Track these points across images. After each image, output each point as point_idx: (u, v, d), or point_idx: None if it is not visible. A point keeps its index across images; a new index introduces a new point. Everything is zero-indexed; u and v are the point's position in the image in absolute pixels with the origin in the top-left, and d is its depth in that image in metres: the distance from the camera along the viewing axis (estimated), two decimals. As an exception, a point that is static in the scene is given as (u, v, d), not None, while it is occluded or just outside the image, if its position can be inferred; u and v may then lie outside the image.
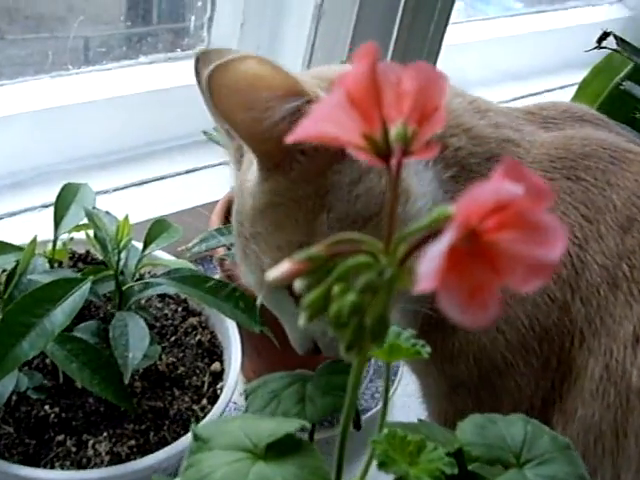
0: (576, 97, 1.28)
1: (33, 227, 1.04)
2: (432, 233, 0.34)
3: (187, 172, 1.25)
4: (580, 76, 1.48)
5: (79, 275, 0.77)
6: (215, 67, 0.57)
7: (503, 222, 0.29)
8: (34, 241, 0.74)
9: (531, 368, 0.67)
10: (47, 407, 0.82)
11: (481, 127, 0.71)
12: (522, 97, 1.76)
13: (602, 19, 2.15)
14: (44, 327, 0.67)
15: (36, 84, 1.19)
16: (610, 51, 1.30)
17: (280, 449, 0.46)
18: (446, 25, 1.30)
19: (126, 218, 0.77)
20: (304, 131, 0.31)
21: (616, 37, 0.85)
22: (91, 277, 0.71)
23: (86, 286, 0.70)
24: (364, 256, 0.34)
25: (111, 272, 0.76)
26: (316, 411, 0.58)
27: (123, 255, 0.78)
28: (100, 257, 0.97)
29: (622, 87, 0.93)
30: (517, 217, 0.28)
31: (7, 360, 0.65)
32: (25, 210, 1.11)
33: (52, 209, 1.11)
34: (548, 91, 1.83)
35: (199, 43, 1.38)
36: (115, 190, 1.17)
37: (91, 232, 0.83)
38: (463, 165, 0.69)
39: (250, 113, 0.59)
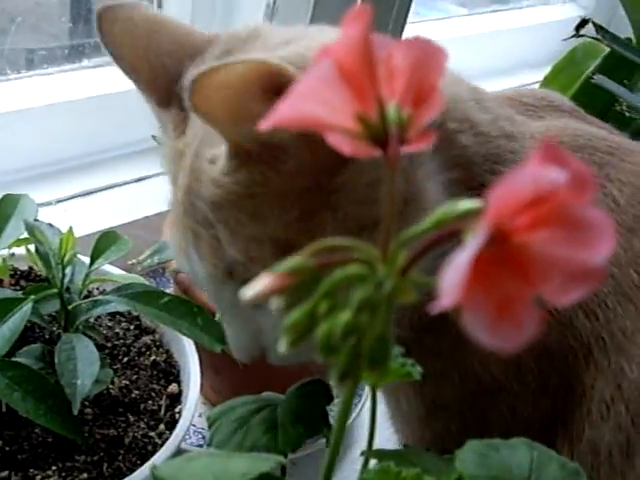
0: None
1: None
2: (437, 237, 0.28)
3: (136, 181, 1.18)
4: (538, 75, 1.44)
5: (20, 294, 0.70)
6: (207, 70, 0.45)
7: (539, 219, 0.23)
8: (-31, 258, 0.67)
9: (527, 388, 0.60)
10: (-12, 440, 0.75)
11: (485, 123, 0.62)
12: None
13: (556, 18, 2.14)
14: (-20, 354, 0.60)
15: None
16: (573, 47, 1.27)
17: (254, 491, 0.40)
18: (404, 24, 1.26)
19: (70, 230, 0.70)
20: (282, 114, 0.25)
21: (595, 25, 0.81)
22: (32, 296, 0.64)
23: (27, 306, 0.63)
24: (358, 266, 0.28)
25: (55, 290, 0.69)
26: (289, 441, 0.51)
27: (68, 271, 0.71)
28: (44, 274, 0.91)
29: (593, 81, 0.88)
30: (557, 212, 0.23)
31: (-62, 392, 0.58)
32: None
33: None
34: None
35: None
36: (59, 202, 1.09)
37: (32, 247, 0.76)
38: (466, 167, 0.60)
39: (239, 121, 0.49)
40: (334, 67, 0.26)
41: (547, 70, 1.38)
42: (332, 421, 0.53)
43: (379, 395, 0.69)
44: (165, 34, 0.64)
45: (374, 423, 0.42)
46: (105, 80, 1.21)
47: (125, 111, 1.17)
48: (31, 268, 0.91)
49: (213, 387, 0.94)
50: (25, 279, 0.90)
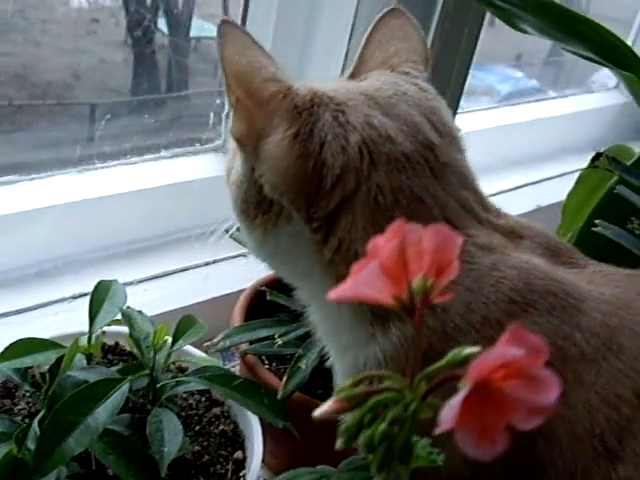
0: (574, 190, 1.32)
1: (63, 319, 1.13)
2: (445, 377, 0.41)
3: (206, 264, 1.33)
4: (581, 162, 1.55)
5: (116, 372, 0.83)
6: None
7: (508, 374, 0.36)
8: (77, 341, 0.81)
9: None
10: (79, 496, 0.87)
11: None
12: (523, 186, 1.84)
13: (599, 105, 2.25)
14: (88, 425, 0.73)
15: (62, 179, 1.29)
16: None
17: None
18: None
19: (163, 324, 0.84)
20: (345, 292, 0.39)
21: (607, 157, 0.91)
22: (130, 377, 0.77)
23: (126, 386, 0.76)
24: (392, 393, 0.41)
25: (147, 371, 0.82)
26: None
27: (157, 355, 0.84)
28: (138, 356, 1.05)
29: (615, 191, 0.97)
30: (519, 370, 0.35)
31: (55, 456, 0.71)
32: (52, 302, 1.19)
33: (79, 301, 1.20)
34: (549, 179, 1.90)
35: (217, 138, 1.47)
36: (139, 282, 1.24)
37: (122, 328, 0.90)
38: None
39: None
40: (379, 266, 0.39)
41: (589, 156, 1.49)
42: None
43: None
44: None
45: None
46: (182, 169, 1.37)
47: (200, 198, 1.32)
48: (117, 343, 1.05)
49: (272, 453, 1.06)
50: (112, 353, 1.04)
